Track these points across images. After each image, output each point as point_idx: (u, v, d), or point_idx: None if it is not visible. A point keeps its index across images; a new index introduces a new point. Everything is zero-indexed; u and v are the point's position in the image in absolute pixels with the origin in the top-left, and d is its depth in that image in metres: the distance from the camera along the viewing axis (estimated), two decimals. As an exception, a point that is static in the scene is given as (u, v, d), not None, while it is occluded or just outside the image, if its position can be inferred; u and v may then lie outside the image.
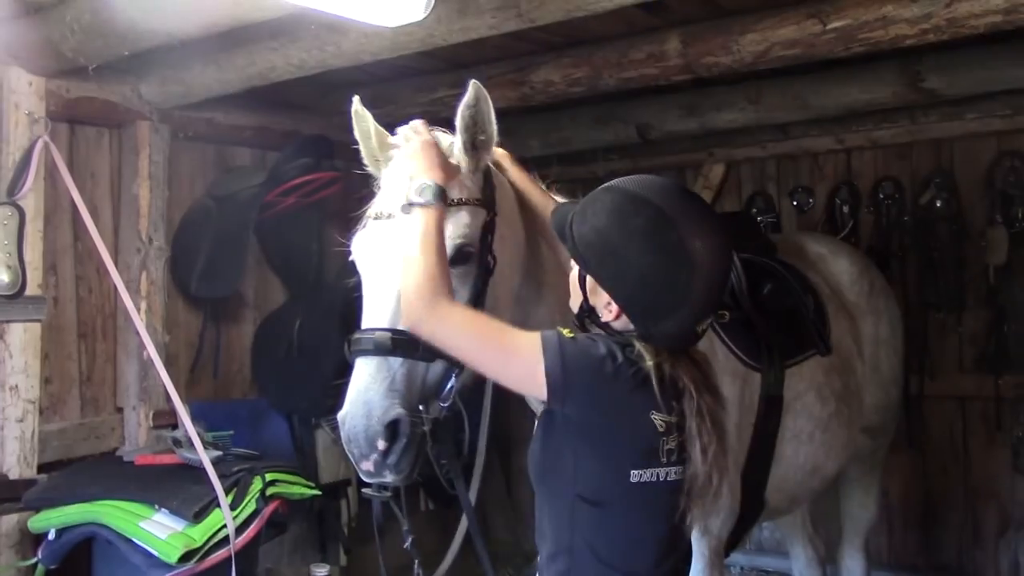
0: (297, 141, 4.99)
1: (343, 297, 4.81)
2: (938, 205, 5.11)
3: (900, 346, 4.25)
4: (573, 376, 2.00)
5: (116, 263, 4.27)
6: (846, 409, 3.62)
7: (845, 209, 5.40)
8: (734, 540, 3.22)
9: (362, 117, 2.49)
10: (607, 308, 2.06)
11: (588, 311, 2.12)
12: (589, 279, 2.09)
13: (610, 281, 2.03)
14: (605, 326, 2.08)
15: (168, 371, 4.12)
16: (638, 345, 2.03)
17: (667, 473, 2.05)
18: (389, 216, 2.31)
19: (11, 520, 3.79)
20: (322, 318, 4.92)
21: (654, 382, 2.00)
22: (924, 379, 5.07)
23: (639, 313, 2.02)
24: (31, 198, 3.88)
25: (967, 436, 5.11)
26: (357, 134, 2.50)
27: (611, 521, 2.07)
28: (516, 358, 2.05)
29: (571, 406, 2.01)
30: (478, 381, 2.56)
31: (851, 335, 3.85)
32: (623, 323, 2.05)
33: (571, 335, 2.07)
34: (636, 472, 2.02)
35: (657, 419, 2.01)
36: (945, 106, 4.96)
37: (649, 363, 2.01)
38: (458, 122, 2.35)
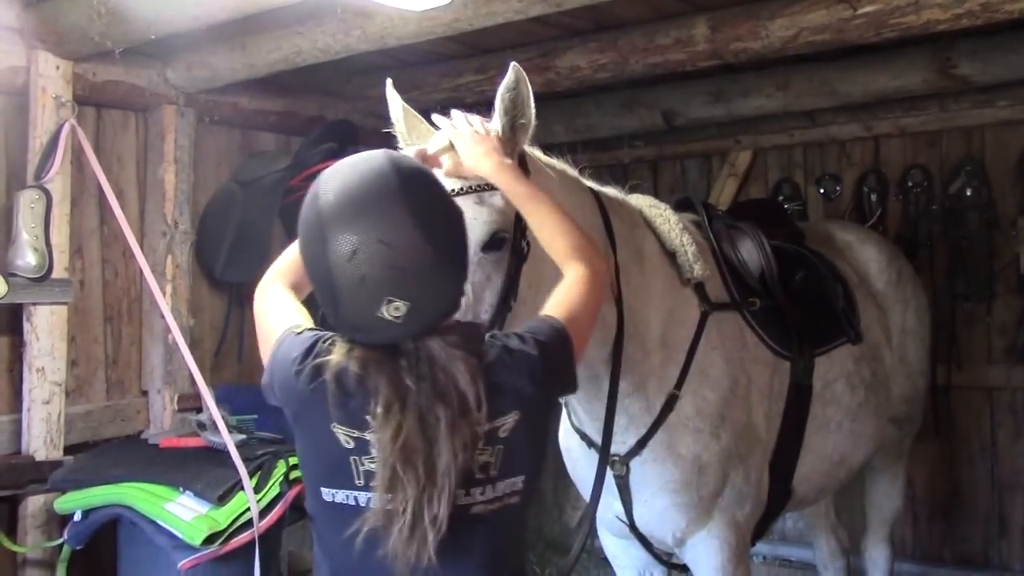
0: (322, 126, 4.99)
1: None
2: (968, 194, 5.04)
3: (927, 336, 4.20)
4: (273, 377, 1.86)
5: (142, 247, 4.28)
6: (874, 398, 3.59)
7: (873, 197, 5.33)
8: (760, 530, 3.20)
9: (393, 100, 2.48)
10: None
11: None
12: None
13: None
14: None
15: (193, 354, 4.14)
16: (338, 341, 1.79)
17: (368, 499, 1.74)
18: None
19: (37, 501, 3.83)
20: (346, 303, 4.91)
21: (330, 387, 1.73)
22: (952, 369, 5.01)
23: (324, 310, 1.78)
24: (58, 181, 3.89)
25: (995, 427, 5.06)
26: (392, 116, 2.49)
27: (323, 542, 1.88)
28: (265, 348, 1.96)
29: (282, 407, 1.87)
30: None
31: (879, 324, 3.81)
32: None
33: (300, 330, 1.88)
34: (327, 491, 1.79)
35: (340, 433, 1.74)
36: (976, 93, 4.89)
37: (331, 361, 1.75)
38: (498, 104, 2.32)
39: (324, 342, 1.82)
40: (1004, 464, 5.01)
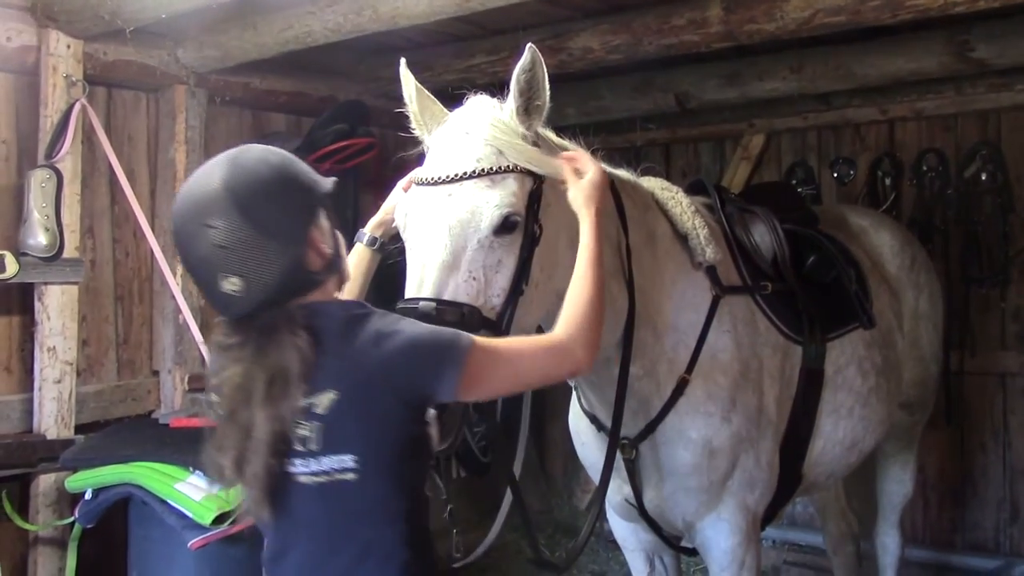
0: (333, 107, 4.97)
1: (379, 264, 4.81)
2: (983, 178, 5.01)
3: (940, 321, 4.18)
4: None
5: (153, 227, 4.29)
6: (886, 384, 3.56)
7: (887, 181, 5.31)
8: (770, 514, 3.19)
9: (407, 80, 2.46)
10: None
11: None
12: None
13: None
14: None
15: (203, 335, 4.14)
16: None
17: None
18: (435, 182, 2.28)
19: (49, 480, 3.84)
20: (357, 285, 4.91)
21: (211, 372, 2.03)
22: (965, 355, 4.99)
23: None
24: (69, 161, 3.90)
25: (1007, 413, 5.04)
26: (405, 96, 2.47)
27: None
28: None
29: None
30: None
31: (892, 309, 3.79)
32: None
33: None
34: None
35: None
36: (993, 76, 4.85)
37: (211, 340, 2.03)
38: (513, 85, 2.30)
39: None
40: (1016, 450, 5.00)
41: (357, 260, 2.44)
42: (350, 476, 1.88)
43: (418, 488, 2.00)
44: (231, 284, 1.85)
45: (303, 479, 1.89)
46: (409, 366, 1.89)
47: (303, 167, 2.03)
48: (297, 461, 1.88)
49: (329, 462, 1.88)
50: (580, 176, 2.34)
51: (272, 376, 1.85)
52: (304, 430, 1.86)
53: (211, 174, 1.91)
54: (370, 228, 2.52)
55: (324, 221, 2.02)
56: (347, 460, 1.88)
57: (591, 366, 2.10)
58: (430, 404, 1.97)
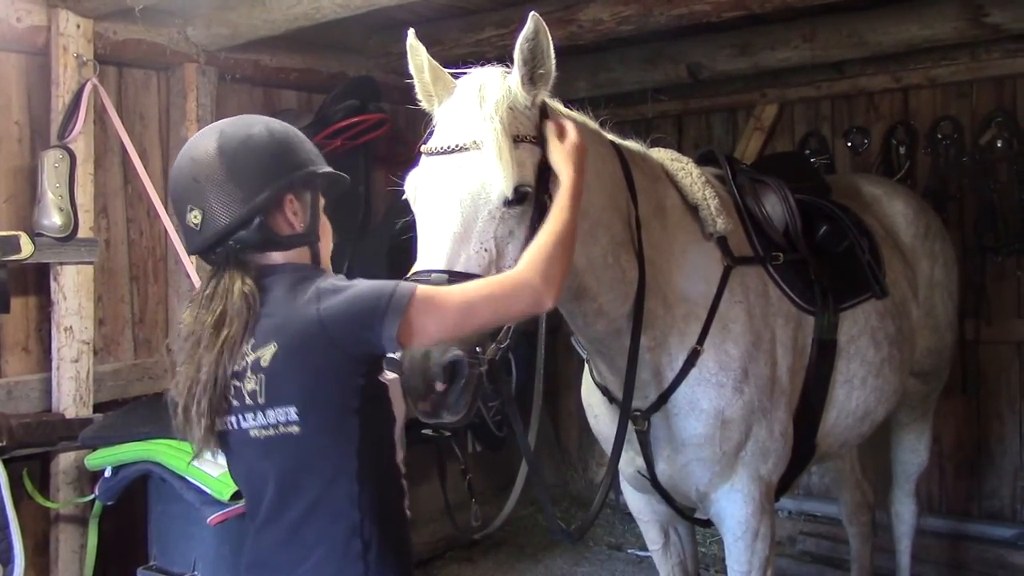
0: (343, 83, 4.96)
1: (390, 241, 4.81)
2: (999, 145, 4.97)
3: (955, 290, 4.15)
4: None
5: (166, 205, 4.29)
6: (899, 354, 3.55)
7: (901, 150, 5.27)
8: (784, 485, 3.19)
9: (416, 51, 2.44)
10: None
11: None
12: None
13: None
14: None
15: (218, 313, 4.16)
16: None
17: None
18: (444, 152, 2.28)
19: (68, 458, 3.89)
20: (370, 261, 4.93)
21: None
22: (980, 324, 4.96)
23: None
24: (81, 141, 3.91)
25: (1023, 382, 5.01)
26: (412, 68, 2.45)
27: None
28: None
29: None
30: (531, 324, 2.54)
31: (906, 278, 3.77)
32: None
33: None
34: None
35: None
36: (1008, 42, 4.79)
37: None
38: (516, 55, 2.29)
39: None
40: (1033, 419, 4.98)
41: None
42: (294, 429, 1.97)
43: (372, 448, 2.03)
44: (193, 217, 2.03)
45: (253, 433, 1.99)
46: (349, 317, 1.94)
47: (304, 146, 2.17)
48: (248, 416, 1.99)
49: (274, 415, 1.97)
50: (562, 139, 2.34)
51: (216, 320, 1.98)
52: (251, 383, 1.97)
53: (219, 123, 2.16)
54: None
55: (307, 197, 2.15)
56: (290, 412, 1.96)
57: (555, 300, 2.10)
58: (375, 355, 2.01)
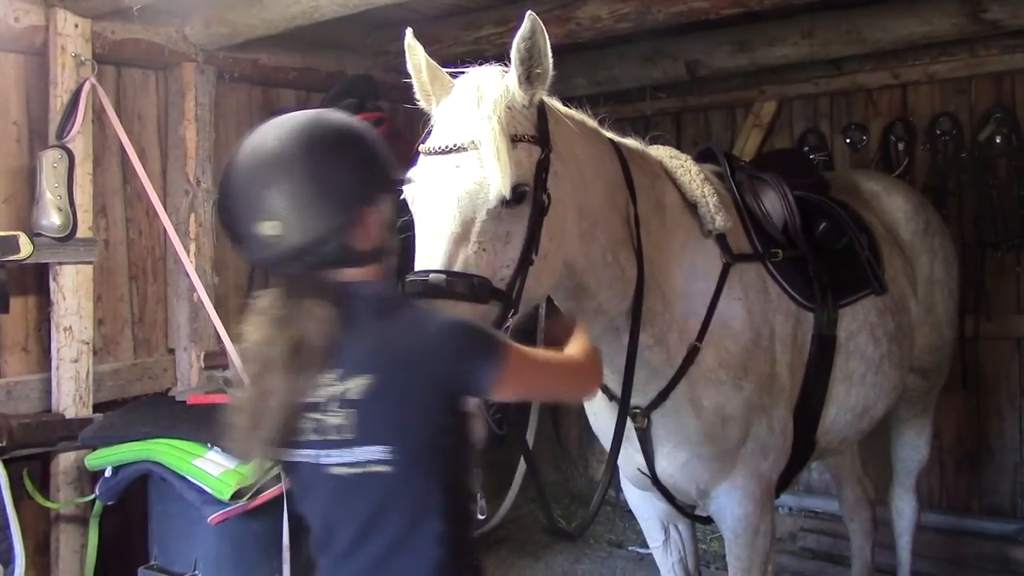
0: (342, 81, 4.96)
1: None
2: (997, 141, 4.97)
3: (955, 286, 4.15)
4: None
5: (165, 205, 4.31)
6: (898, 350, 3.55)
7: (900, 146, 5.27)
8: (784, 481, 3.19)
9: (414, 50, 2.44)
10: None
11: None
12: None
13: None
14: None
15: (218, 312, 4.17)
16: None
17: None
18: (442, 151, 2.27)
19: (69, 458, 3.89)
20: (369, 259, 4.92)
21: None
22: (980, 320, 4.96)
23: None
24: (80, 141, 3.91)
25: (1023, 378, 5.01)
26: (410, 67, 2.45)
27: None
28: None
29: None
30: (529, 324, 2.54)
31: (905, 274, 3.77)
32: None
33: None
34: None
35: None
36: (1007, 38, 4.80)
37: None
38: (513, 54, 2.29)
39: None
40: (1033, 414, 4.98)
41: None
42: (383, 468, 1.82)
43: (457, 485, 1.93)
44: (270, 227, 1.81)
45: (336, 471, 1.84)
46: (451, 353, 1.84)
47: (385, 150, 2.00)
48: (332, 452, 1.83)
49: (363, 453, 1.82)
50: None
51: (294, 344, 1.81)
52: (337, 418, 1.81)
53: (295, 120, 1.91)
54: None
55: (386, 210, 1.98)
56: (380, 452, 1.81)
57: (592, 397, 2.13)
58: (464, 395, 1.91)
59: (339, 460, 1.83)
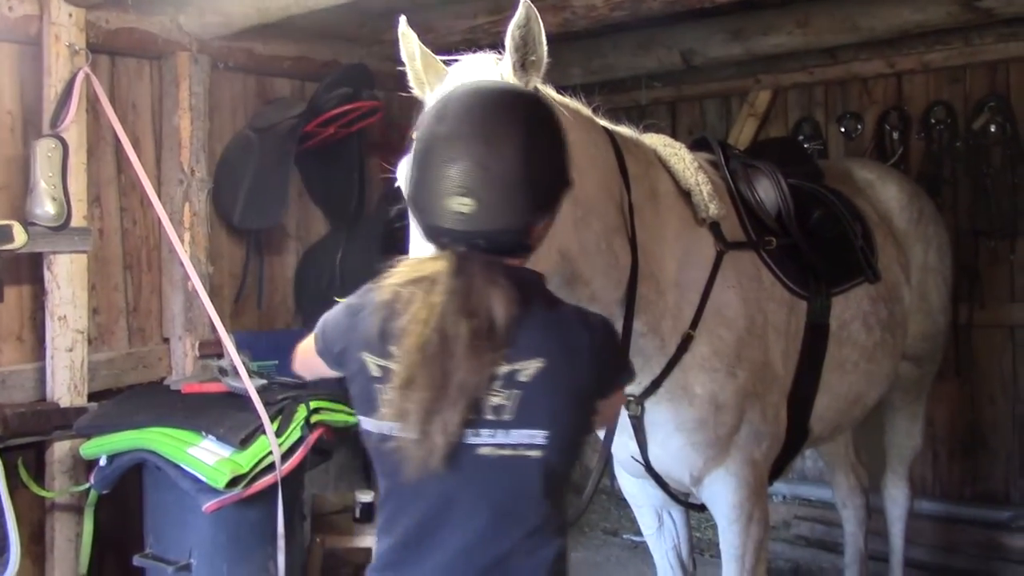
0: (337, 71, 4.95)
1: (384, 228, 4.81)
2: (992, 130, 4.97)
3: (949, 274, 4.17)
4: (328, 338, 2.01)
5: (159, 195, 4.31)
6: (891, 338, 3.57)
7: (895, 135, 5.27)
8: (777, 469, 3.21)
9: (408, 38, 2.43)
10: None
11: None
12: None
13: None
14: None
15: (212, 302, 4.16)
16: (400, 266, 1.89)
17: (390, 428, 1.79)
18: None
19: (64, 447, 3.89)
20: (364, 249, 4.93)
21: (374, 315, 1.83)
22: (974, 308, 4.98)
23: (404, 184, 1.99)
24: (74, 130, 3.90)
25: (1016, 365, 5.03)
26: (403, 55, 2.45)
27: (376, 464, 1.92)
28: (312, 359, 2.11)
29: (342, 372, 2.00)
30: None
31: (899, 263, 3.78)
32: None
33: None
34: (363, 419, 1.86)
35: (370, 360, 1.82)
36: (1001, 26, 4.80)
37: (384, 283, 1.84)
38: (508, 42, 2.28)
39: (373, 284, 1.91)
40: (1025, 402, 5.00)
41: None
42: (535, 453, 1.78)
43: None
44: (462, 204, 1.75)
45: (484, 451, 1.77)
46: (609, 354, 1.91)
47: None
48: (484, 431, 1.76)
49: (519, 435, 1.77)
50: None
51: (475, 329, 1.74)
52: (500, 398, 1.76)
53: (516, 96, 1.91)
54: None
55: (556, 216, 1.96)
56: (537, 436, 1.78)
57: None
58: (599, 398, 1.92)
59: (491, 440, 1.77)
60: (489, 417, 1.76)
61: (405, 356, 1.74)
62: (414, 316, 1.75)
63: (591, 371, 1.85)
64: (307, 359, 2.16)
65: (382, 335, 1.80)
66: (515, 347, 1.76)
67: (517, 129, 1.81)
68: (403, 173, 2.31)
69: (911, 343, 3.85)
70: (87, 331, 4.00)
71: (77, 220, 3.90)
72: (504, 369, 1.76)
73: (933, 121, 5.15)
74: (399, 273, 1.83)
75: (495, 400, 1.76)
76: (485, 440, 1.77)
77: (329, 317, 2.03)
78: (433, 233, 1.82)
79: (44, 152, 3.78)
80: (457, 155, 1.76)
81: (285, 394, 3.86)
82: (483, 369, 1.74)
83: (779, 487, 5.51)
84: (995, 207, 4.95)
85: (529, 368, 1.77)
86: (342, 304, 2.00)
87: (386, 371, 1.78)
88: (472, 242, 1.79)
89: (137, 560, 3.75)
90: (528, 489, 1.81)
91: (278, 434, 3.65)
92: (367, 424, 1.85)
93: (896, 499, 4.36)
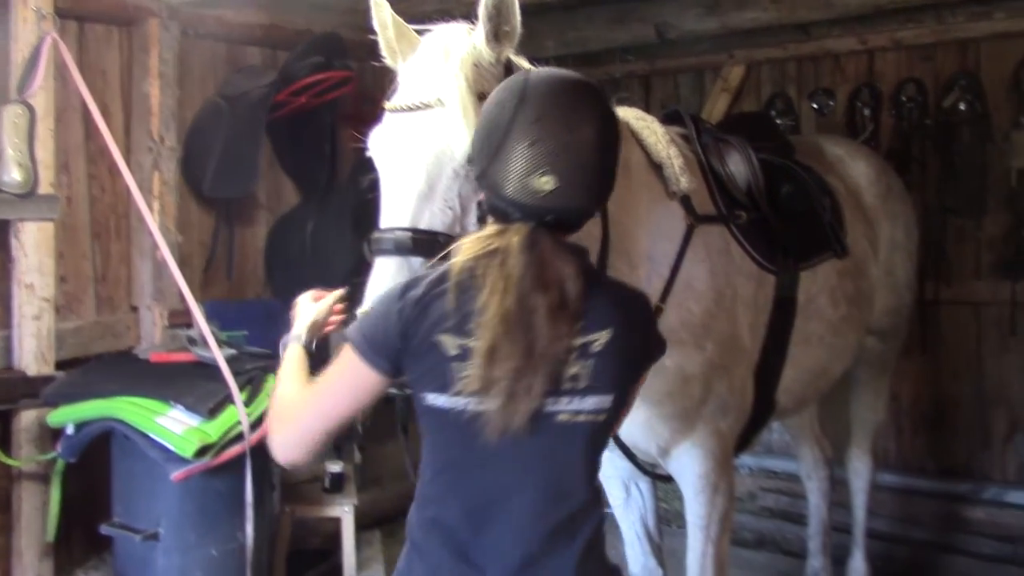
0: (309, 39, 4.92)
1: (355, 199, 4.80)
2: (962, 108, 4.99)
3: (915, 250, 4.21)
4: (379, 340, 1.89)
5: (128, 163, 4.26)
6: (857, 313, 3.61)
7: (866, 112, 5.29)
8: (744, 441, 3.24)
9: (381, 7, 2.42)
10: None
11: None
12: None
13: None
14: (480, 209, 2.01)
15: (182, 271, 4.14)
16: (463, 243, 1.88)
17: (465, 403, 1.82)
18: (408, 109, 2.27)
19: (30, 416, 3.87)
20: (335, 220, 4.92)
21: (448, 295, 1.82)
22: (940, 285, 5.03)
23: (475, 158, 1.92)
24: (41, 96, 3.85)
25: (980, 342, 5.09)
26: (375, 23, 2.43)
27: (431, 440, 1.93)
28: (341, 381, 1.96)
29: (401, 366, 1.90)
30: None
31: (867, 238, 3.81)
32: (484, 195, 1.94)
33: (375, 298, 1.98)
34: (431, 396, 1.86)
35: (447, 340, 1.82)
36: (973, 4, 4.82)
37: (455, 264, 1.84)
38: (481, 11, 2.28)
39: (421, 276, 1.90)
40: (988, 379, 5.06)
41: (298, 363, 2.16)
42: (602, 418, 1.89)
43: None
44: (544, 183, 1.81)
45: (562, 417, 1.85)
46: (654, 325, 2.06)
47: None
48: (563, 399, 1.84)
49: (592, 402, 1.86)
50: None
51: (555, 303, 1.81)
52: (576, 367, 1.84)
53: (593, 90, 1.94)
54: (306, 331, 2.26)
55: None
56: (606, 401, 1.88)
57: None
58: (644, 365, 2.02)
59: (568, 407, 1.85)
60: (567, 385, 1.84)
61: (489, 328, 1.78)
62: (493, 288, 1.80)
63: (644, 342, 1.98)
64: (318, 399, 1.98)
65: (459, 313, 1.82)
66: (587, 319, 1.85)
67: (595, 116, 1.88)
68: (379, 142, 2.30)
69: (877, 318, 3.90)
70: (54, 299, 3.97)
71: (44, 187, 3.86)
72: (579, 340, 1.84)
73: (904, 98, 5.17)
74: (465, 249, 1.86)
75: (572, 370, 1.84)
76: (563, 407, 1.84)
77: (367, 323, 1.93)
78: (505, 208, 1.86)
79: (11, 118, 3.73)
80: (542, 136, 1.82)
81: (254, 364, 3.86)
82: (562, 339, 1.81)
83: (745, 459, 5.56)
84: (963, 185, 4.99)
85: (600, 338, 1.85)
86: (381, 302, 1.92)
87: (465, 348, 1.81)
88: (543, 218, 1.85)
89: (104, 529, 3.76)
90: (591, 451, 1.92)
91: (247, 404, 3.65)
92: (436, 401, 1.86)
93: (859, 471, 4.43)
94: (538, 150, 1.82)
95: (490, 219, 1.93)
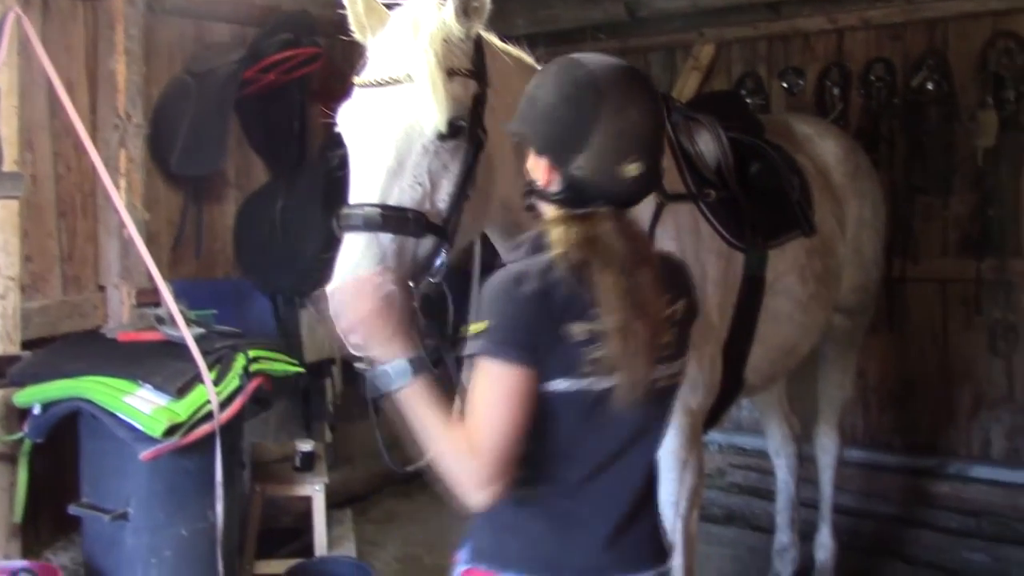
0: (278, 16, 4.87)
1: (325, 177, 4.77)
2: (929, 87, 5.04)
3: (882, 228, 4.25)
4: (526, 341, 1.82)
5: (94, 140, 4.20)
6: (825, 291, 3.64)
7: (835, 91, 5.32)
8: (713, 417, 3.27)
9: None
10: (538, 171, 1.94)
11: (529, 188, 1.99)
12: (530, 155, 1.97)
13: (526, 126, 1.96)
14: (544, 196, 1.95)
15: (149, 249, 4.09)
16: (553, 233, 1.89)
17: (588, 383, 1.85)
18: (377, 84, 2.25)
19: (-4, 395, 3.82)
20: (304, 198, 4.89)
21: (564, 286, 1.82)
22: (907, 262, 5.08)
23: (552, 152, 1.90)
24: (4, 73, 3.79)
25: (947, 319, 5.16)
26: (344, -1, 2.42)
27: (546, 426, 1.88)
28: (506, 399, 1.83)
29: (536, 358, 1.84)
30: (464, 260, 2.55)
31: (835, 216, 3.84)
32: (557, 184, 1.92)
33: (482, 325, 1.87)
34: (556, 382, 1.84)
35: (576, 328, 1.82)
36: (942, -16, 4.86)
37: (557, 255, 1.84)
38: None
39: (523, 270, 1.86)
40: (953, 355, 5.13)
41: (428, 403, 1.92)
42: (680, 379, 2.05)
43: None
44: (633, 168, 1.88)
45: (662, 382, 1.96)
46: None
47: None
48: (662, 366, 1.94)
49: (678, 365, 2.01)
50: None
51: (652, 270, 1.90)
52: (669, 335, 1.94)
53: (646, 76, 2.02)
54: (397, 347, 1.92)
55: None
56: (683, 364, 2.04)
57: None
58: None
59: (666, 372, 1.96)
60: (665, 353, 1.94)
61: (617, 310, 1.83)
62: (605, 272, 1.85)
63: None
64: (491, 423, 1.83)
65: (579, 300, 1.84)
66: (669, 291, 1.96)
67: (656, 101, 1.96)
68: (348, 118, 2.28)
69: (844, 295, 3.94)
70: (19, 279, 3.91)
71: (8, 165, 3.80)
72: (668, 311, 1.95)
73: (873, 78, 5.20)
74: (561, 240, 1.87)
75: (667, 337, 1.94)
76: (663, 372, 1.95)
77: (497, 330, 1.84)
78: (592, 195, 1.89)
79: (-28, 94, 3.68)
80: (626, 126, 1.87)
81: (223, 343, 3.83)
82: (664, 309, 1.93)
83: (715, 436, 5.61)
84: (930, 164, 5.03)
85: (680, 306, 1.98)
86: (497, 302, 1.84)
87: (592, 332, 1.83)
88: (627, 201, 1.95)
89: (73, 509, 3.73)
90: (670, 413, 2.07)
91: (216, 383, 3.63)
92: (559, 386, 1.84)
93: (827, 448, 4.48)
94: (625, 139, 1.87)
95: (552, 206, 1.94)
